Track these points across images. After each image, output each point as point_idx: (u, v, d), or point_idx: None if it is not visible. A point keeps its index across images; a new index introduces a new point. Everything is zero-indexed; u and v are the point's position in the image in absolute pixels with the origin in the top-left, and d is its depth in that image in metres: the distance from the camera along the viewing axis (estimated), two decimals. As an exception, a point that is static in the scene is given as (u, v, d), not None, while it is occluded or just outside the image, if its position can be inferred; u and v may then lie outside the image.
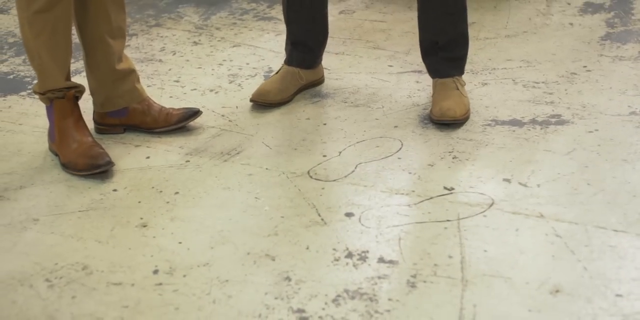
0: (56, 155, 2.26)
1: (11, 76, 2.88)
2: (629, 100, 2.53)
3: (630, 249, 1.78)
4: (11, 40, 3.22)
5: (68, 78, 2.24)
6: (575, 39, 3.06)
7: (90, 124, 2.36)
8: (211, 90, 2.72)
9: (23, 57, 3.01)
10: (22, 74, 2.90)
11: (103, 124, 2.41)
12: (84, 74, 2.40)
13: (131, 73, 2.39)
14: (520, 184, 2.08)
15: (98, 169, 2.16)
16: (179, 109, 2.43)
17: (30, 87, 2.72)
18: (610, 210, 1.94)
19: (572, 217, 1.91)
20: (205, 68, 2.91)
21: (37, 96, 2.29)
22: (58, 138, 2.24)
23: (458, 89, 2.47)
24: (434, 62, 2.51)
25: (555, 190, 2.04)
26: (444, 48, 2.47)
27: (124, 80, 2.37)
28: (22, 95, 2.72)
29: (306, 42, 2.63)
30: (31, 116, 2.53)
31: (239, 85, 2.76)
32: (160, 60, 2.98)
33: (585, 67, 2.81)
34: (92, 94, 2.38)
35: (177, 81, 2.80)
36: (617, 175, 2.10)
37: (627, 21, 3.22)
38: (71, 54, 2.24)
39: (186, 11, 3.48)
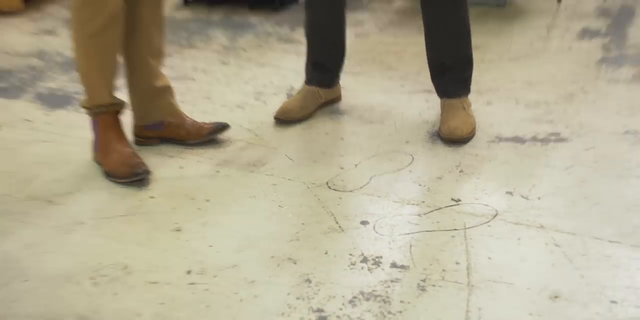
0: (99, 164, 2.28)
1: (59, 92, 2.90)
2: (623, 120, 2.53)
3: (624, 258, 1.78)
4: (59, 59, 3.23)
5: (112, 94, 2.26)
6: (574, 62, 3.06)
7: (130, 136, 2.38)
8: (238, 107, 2.74)
9: (70, 75, 3.02)
10: (69, 90, 2.91)
11: (141, 136, 2.44)
12: (124, 90, 2.41)
13: (167, 90, 2.41)
14: (522, 196, 2.08)
15: (137, 177, 2.18)
16: (209, 123, 2.44)
17: (76, 102, 2.73)
18: (605, 222, 1.94)
19: (570, 228, 1.91)
20: (233, 86, 2.93)
21: (83, 110, 2.31)
22: (101, 149, 2.26)
23: (464, 109, 2.47)
24: (442, 82, 2.51)
25: (555, 203, 2.04)
26: (450, 69, 2.48)
27: (160, 96, 2.39)
28: (69, 110, 2.74)
29: (325, 63, 2.64)
30: (77, 128, 2.54)
31: (264, 102, 2.77)
32: (192, 79, 2.99)
33: (582, 88, 2.81)
34: (132, 108, 2.41)
35: (208, 98, 2.82)
36: (613, 189, 2.10)
37: (622, 46, 3.21)
38: (117, 73, 2.26)
39: (215, 33, 3.50)
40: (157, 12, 2.30)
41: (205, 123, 2.44)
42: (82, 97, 2.29)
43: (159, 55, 2.36)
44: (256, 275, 1.75)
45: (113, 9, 2.10)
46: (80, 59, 2.20)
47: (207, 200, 2.10)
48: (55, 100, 2.82)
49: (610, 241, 1.85)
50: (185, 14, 3.75)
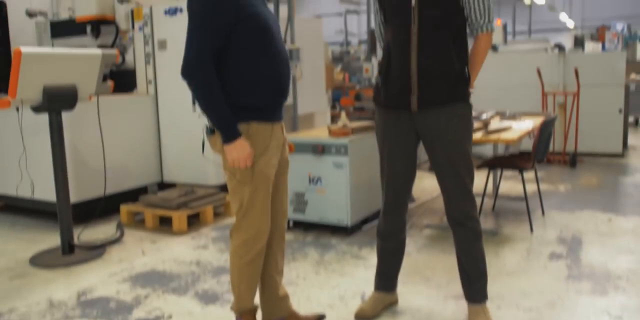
0: (241, 345, 2.22)
1: (210, 292, 2.90)
2: (596, 325, 2.41)
3: None
4: (210, 267, 3.27)
5: (253, 301, 2.25)
6: (549, 277, 2.99)
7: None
8: (329, 306, 2.69)
9: (217, 279, 3.05)
10: (217, 290, 2.91)
11: (268, 328, 2.40)
12: (257, 296, 2.36)
13: (285, 296, 2.40)
14: None
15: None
16: (312, 315, 2.44)
17: (222, 300, 2.73)
18: None
19: None
20: (323, 290, 2.89)
21: (231, 309, 2.29)
22: (244, 336, 2.22)
23: (485, 313, 2.40)
24: (469, 290, 2.43)
25: None
26: (474, 280, 2.40)
27: (282, 301, 2.38)
28: (217, 305, 2.72)
29: (388, 273, 2.59)
30: (226, 319, 2.52)
31: (346, 303, 2.72)
32: (296, 284, 2.98)
33: (559, 297, 2.71)
34: (262, 310, 2.39)
35: (308, 298, 2.78)
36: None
37: (579, 266, 3.16)
38: (257, 286, 2.26)
39: (310, 251, 3.54)
40: (281, 246, 2.38)
41: (308, 316, 2.44)
42: (233, 301, 2.26)
43: (281, 273, 2.39)
44: None
45: (261, 248, 2.19)
46: (235, 277, 2.21)
47: (315, 381, 2.00)
48: (208, 298, 2.81)
49: None
50: (289, 236, 3.83)
